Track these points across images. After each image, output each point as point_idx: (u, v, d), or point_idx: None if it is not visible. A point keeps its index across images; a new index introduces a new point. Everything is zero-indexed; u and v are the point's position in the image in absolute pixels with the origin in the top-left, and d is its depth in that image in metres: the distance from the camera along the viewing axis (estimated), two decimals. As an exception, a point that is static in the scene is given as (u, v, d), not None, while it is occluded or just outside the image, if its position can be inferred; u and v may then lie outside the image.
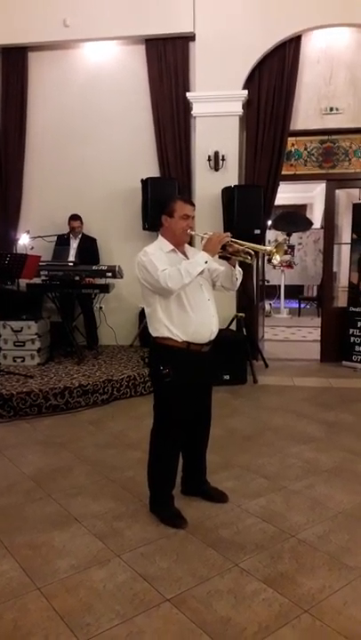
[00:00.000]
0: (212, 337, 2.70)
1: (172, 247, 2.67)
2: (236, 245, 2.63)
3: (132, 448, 3.65)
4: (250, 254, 2.64)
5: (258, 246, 2.68)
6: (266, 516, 2.75)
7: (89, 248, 5.92)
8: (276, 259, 2.71)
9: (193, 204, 2.73)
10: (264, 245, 3.24)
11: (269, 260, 2.78)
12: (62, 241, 5.91)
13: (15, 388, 4.48)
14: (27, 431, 4.08)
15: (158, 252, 2.63)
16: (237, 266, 2.71)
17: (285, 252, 10.72)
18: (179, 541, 2.52)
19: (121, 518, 2.74)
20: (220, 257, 2.73)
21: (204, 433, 2.90)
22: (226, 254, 2.66)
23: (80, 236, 5.93)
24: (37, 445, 3.78)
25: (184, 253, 2.71)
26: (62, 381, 4.66)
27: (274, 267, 10.73)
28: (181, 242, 2.71)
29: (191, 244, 2.79)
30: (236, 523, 2.69)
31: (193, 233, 2.72)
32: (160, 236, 2.74)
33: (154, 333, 2.68)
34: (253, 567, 2.31)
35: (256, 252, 2.69)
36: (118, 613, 2.03)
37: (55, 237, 5.91)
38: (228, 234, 2.65)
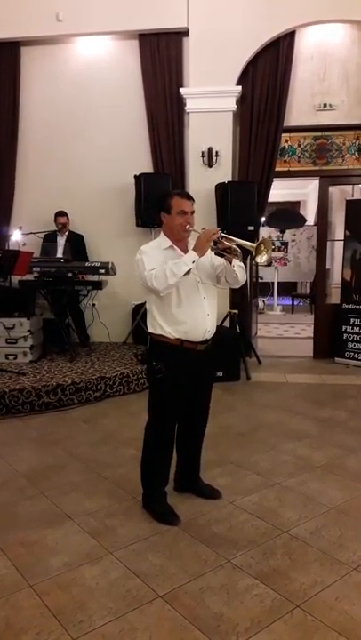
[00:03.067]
0: (208, 336, 2.66)
1: (170, 244, 2.63)
2: (227, 243, 2.56)
3: (125, 445, 3.65)
4: (238, 251, 2.57)
5: (245, 242, 2.56)
6: (259, 513, 2.75)
7: (76, 245, 5.87)
8: (262, 258, 2.53)
9: (191, 199, 2.64)
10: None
11: (253, 258, 2.60)
12: (50, 238, 5.87)
13: (7, 385, 4.45)
14: (19, 429, 4.06)
15: (154, 250, 2.61)
16: (236, 261, 2.62)
17: (272, 256, 10.71)
18: (172, 538, 2.52)
19: (114, 515, 2.73)
20: (215, 254, 2.70)
21: (200, 431, 2.89)
22: (218, 251, 2.61)
23: (67, 232, 5.90)
24: (30, 443, 3.77)
25: (186, 249, 2.62)
26: (55, 379, 4.64)
27: (268, 264, 10.75)
28: (181, 238, 2.64)
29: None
30: (228, 519, 2.69)
31: (192, 229, 2.62)
32: (161, 232, 2.70)
33: (150, 330, 2.68)
34: (246, 563, 2.32)
35: (247, 250, 2.59)
36: (111, 610, 2.03)
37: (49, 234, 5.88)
38: (218, 230, 2.57)
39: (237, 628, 1.94)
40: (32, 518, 2.71)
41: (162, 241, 2.67)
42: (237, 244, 2.56)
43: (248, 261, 6.04)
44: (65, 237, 5.88)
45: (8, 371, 4.86)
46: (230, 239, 2.58)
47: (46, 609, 2.04)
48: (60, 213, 5.83)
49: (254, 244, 2.54)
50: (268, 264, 10.05)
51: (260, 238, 2.59)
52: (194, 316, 2.60)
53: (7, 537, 2.54)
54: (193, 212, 2.64)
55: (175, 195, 2.66)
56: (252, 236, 5.41)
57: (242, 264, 2.69)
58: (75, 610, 2.03)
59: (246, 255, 2.72)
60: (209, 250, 2.64)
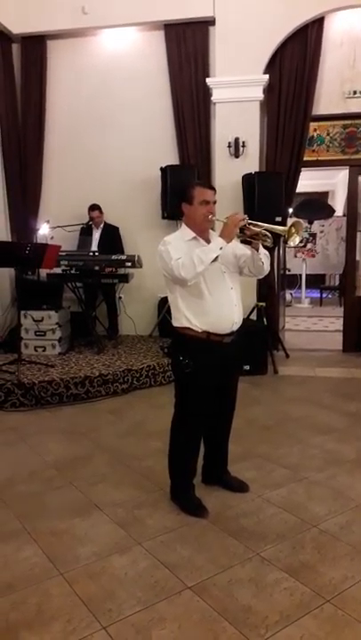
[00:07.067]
0: (235, 327, 2.63)
1: (193, 235, 2.61)
2: (255, 228, 2.53)
3: (152, 437, 3.66)
4: (268, 236, 2.55)
5: (275, 227, 2.56)
6: (287, 506, 2.73)
7: (111, 237, 5.92)
8: (295, 241, 2.53)
9: (213, 189, 2.64)
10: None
11: (286, 241, 2.61)
12: (85, 231, 5.92)
13: (37, 377, 4.52)
14: (48, 420, 4.12)
15: (177, 241, 2.58)
16: (262, 249, 2.60)
17: (307, 241, 10.56)
18: (200, 530, 2.52)
19: (142, 506, 2.75)
20: (241, 241, 2.67)
21: (227, 423, 2.87)
22: (245, 238, 2.58)
23: (102, 225, 5.95)
24: (58, 434, 3.82)
25: (208, 241, 2.61)
26: (83, 371, 4.69)
27: (295, 255, 10.61)
28: (204, 229, 2.63)
29: (215, 229, 2.72)
30: (257, 512, 2.68)
31: (215, 219, 2.62)
32: (183, 224, 2.68)
33: (175, 323, 2.66)
34: (275, 556, 2.30)
35: (278, 235, 2.57)
36: (140, 600, 2.04)
37: (77, 227, 5.92)
38: (245, 217, 2.54)
39: (267, 620, 1.92)
40: (61, 508, 2.75)
41: (184, 233, 2.64)
42: (267, 229, 2.53)
43: (275, 253, 5.98)
44: (100, 230, 5.93)
45: (37, 362, 4.93)
46: (258, 225, 2.54)
47: (76, 597, 2.07)
48: (91, 207, 5.86)
49: (286, 228, 2.53)
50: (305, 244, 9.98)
51: (292, 221, 2.55)
52: (222, 307, 2.58)
53: (37, 526, 2.58)
54: (215, 202, 2.62)
55: (197, 185, 2.65)
56: (280, 224, 5.34)
57: (267, 252, 2.66)
58: (104, 598, 2.05)
59: (277, 240, 2.71)
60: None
